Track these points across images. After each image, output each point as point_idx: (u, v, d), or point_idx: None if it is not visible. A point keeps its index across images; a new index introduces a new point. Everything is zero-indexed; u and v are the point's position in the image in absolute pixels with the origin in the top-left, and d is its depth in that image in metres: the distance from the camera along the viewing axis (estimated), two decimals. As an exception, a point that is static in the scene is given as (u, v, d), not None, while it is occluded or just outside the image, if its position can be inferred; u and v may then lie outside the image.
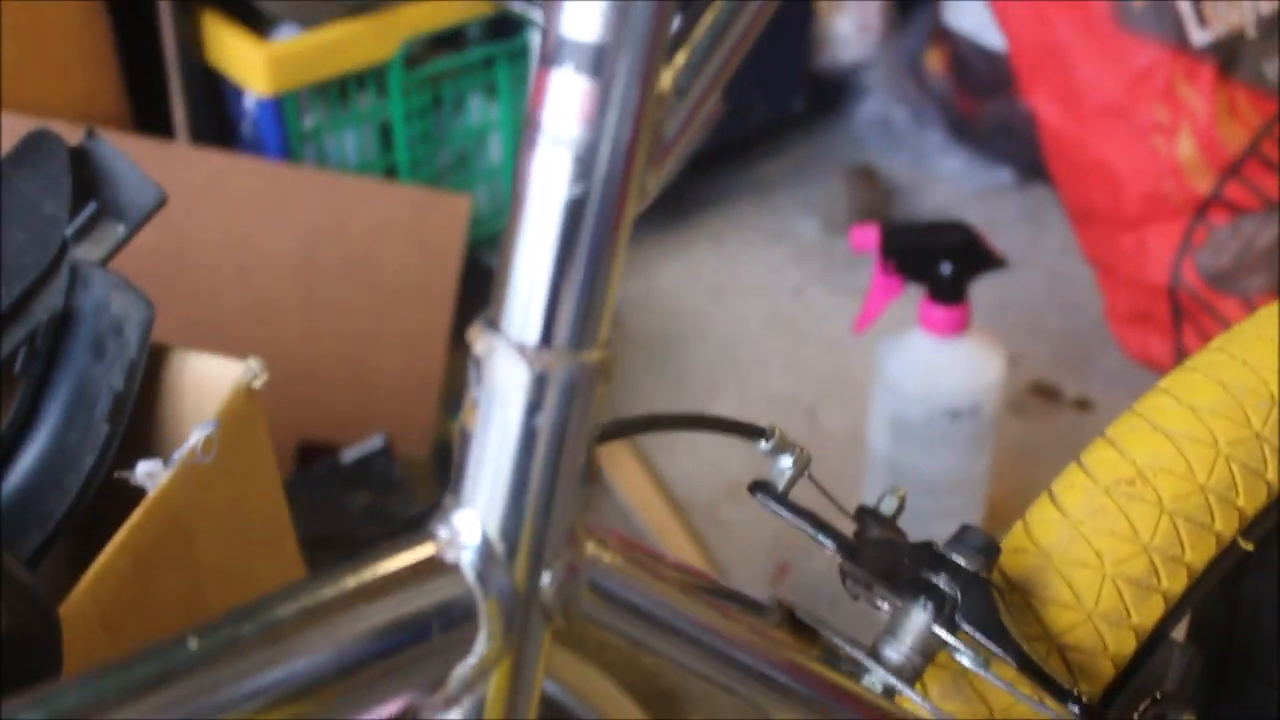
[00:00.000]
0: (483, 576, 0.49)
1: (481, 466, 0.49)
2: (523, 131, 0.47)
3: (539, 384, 0.47)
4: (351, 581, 0.48)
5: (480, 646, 0.49)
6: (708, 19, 0.50)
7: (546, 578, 0.50)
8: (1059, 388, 1.99)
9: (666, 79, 0.49)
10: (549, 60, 0.45)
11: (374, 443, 1.67)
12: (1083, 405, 1.96)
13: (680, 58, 0.50)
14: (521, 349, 0.47)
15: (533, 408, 0.48)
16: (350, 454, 1.66)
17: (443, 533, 0.49)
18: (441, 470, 1.80)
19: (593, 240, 0.47)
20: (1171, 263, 1.89)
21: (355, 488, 1.66)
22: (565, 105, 0.46)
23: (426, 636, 0.48)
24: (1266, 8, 1.91)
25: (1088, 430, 1.97)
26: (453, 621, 0.49)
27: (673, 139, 0.50)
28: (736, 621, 0.58)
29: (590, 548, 0.52)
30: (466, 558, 0.49)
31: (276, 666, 0.46)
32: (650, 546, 0.56)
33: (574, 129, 0.46)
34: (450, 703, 0.50)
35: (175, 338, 1.02)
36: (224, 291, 1.66)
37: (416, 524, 0.50)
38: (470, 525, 0.49)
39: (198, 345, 1.01)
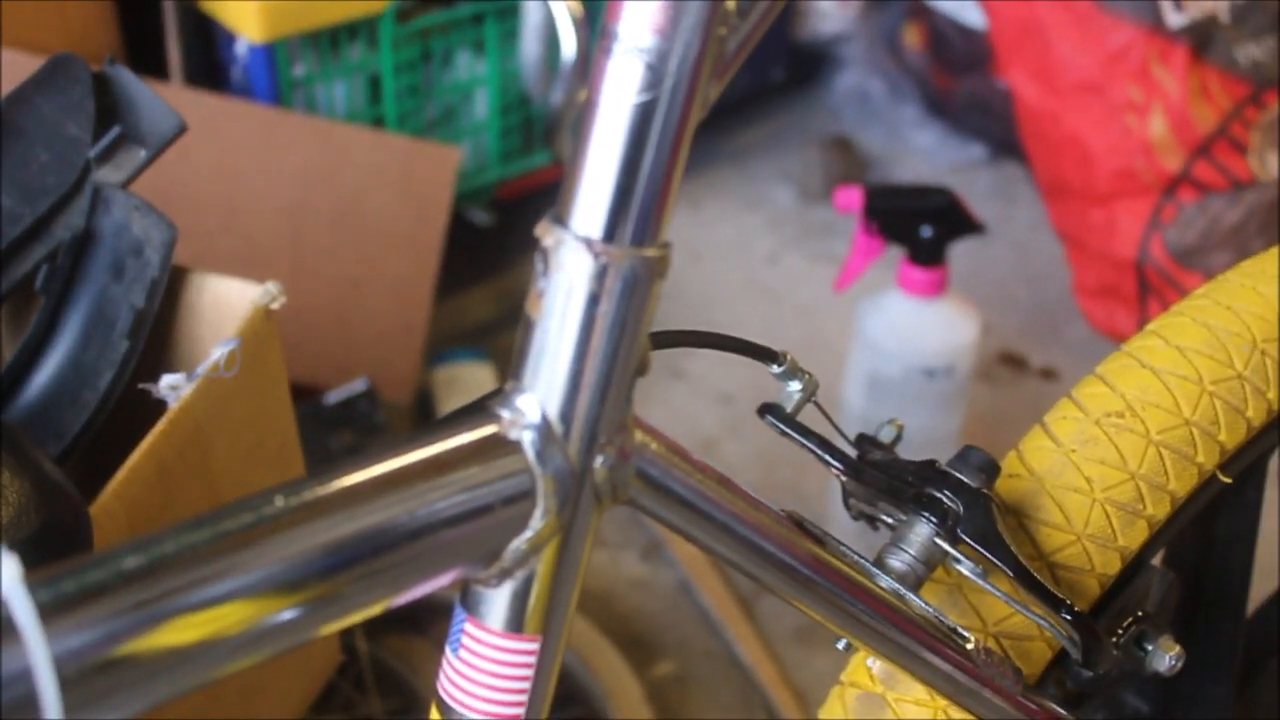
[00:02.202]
0: (541, 455, 0.52)
1: (543, 353, 0.52)
2: (598, 41, 0.50)
3: (602, 275, 0.51)
4: (421, 454, 0.51)
5: (535, 522, 0.53)
6: (770, -56, 0.54)
7: (599, 460, 0.54)
8: (1026, 357, 2.04)
9: (731, -1, 0.52)
10: (627, -25, 0.49)
11: (357, 385, 1.70)
12: (1048, 374, 2.02)
13: (744, -21, 0.54)
14: (588, 242, 0.51)
15: (595, 298, 0.51)
16: (334, 396, 1.69)
17: (505, 413, 0.53)
18: (423, 415, 1.84)
19: (658, 143, 0.50)
20: (1140, 238, 1.94)
21: (338, 429, 1.68)
22: (640, 17, 0.49)
23: (489, 510, 0.51)
24: (1240, -8, 1.96)
25: (1053, 398, 2.00)
26: (512, 497, 0.52)
27: (733, 54, 0.53)
28: (764, 516, 0.61)
29: (639, 436, 0.56)
30: (527, 437, 0.52)
31: (352, 529, 0.49)
32: (687, 449, 0.59)
33: (647, 39, 0.49)
34: (504, 575, 0.54)
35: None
36: (214, 233, 1.68)
37: (479, 407, 0.54)
38: (531, 407, 0.53)
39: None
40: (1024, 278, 2.20)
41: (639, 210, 0.51)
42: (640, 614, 1.64)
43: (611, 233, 0.51)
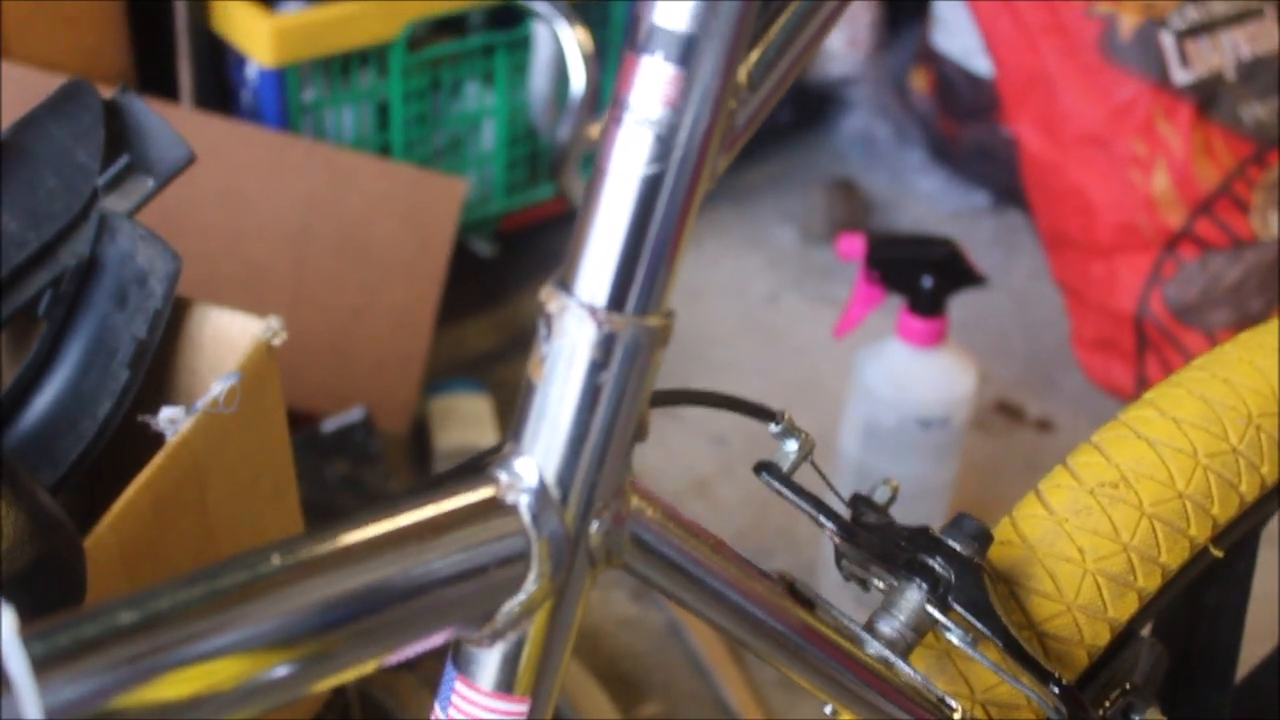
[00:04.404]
0: (537, 519, 0.53)
1: (543, 417, 0.53)
2: (609, 109, 0.50)
3: (606, 344, 0.51)
4: (417, 515, 0.51)
5: (529, 585, 0.53)
6: (782, 20, 0.54)
7: (595, 525, 0.54)
8: (1022, 407, 2.04)
9: (743, 72, 0.53)
10: (639, 47, 0.49)
11: (354, 414, 1.70)
12: (1044, 426, 2.02)
13: (755, 54, 0.54)
14: (591, 310, 0.51)
15: (598, 365, 0.51)
16: (331, 424, 1.69)
17: (503, 476, 0.53)
18: (418, 446, 1.84)
19: (665, 215, 0.51)
20: (1140, 292, 1.94)
21: (334, 457, 1.68)
22: (651, 88, 0.49)
23: (483, 572, 0.52)
24: (1246, 51, 1.97)
25: (1048, 450, 2.03)
26: (506, 559, 0.52)
27: (742, 127, 0.54)
28: (756, 583, 0.62)
29: (635, 502, 0.56)
30: (524, 501, 0.53)
31: (346, 588, 0.49)
32: (681, 512, 0.60)
33: (657, 111, 0.49)
34: (495, 637, 0.54)
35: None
36: (217, 256, 1.68)
37: (476, 467, 0.54)
38: (529, 470, 0.53)
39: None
40: (1023, 327, 2.21)
41: (643, 280, 0.51)
42: (628, 654, 1.64)
43: (616, 301, 0.51)
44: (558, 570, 0.53)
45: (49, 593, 0.77)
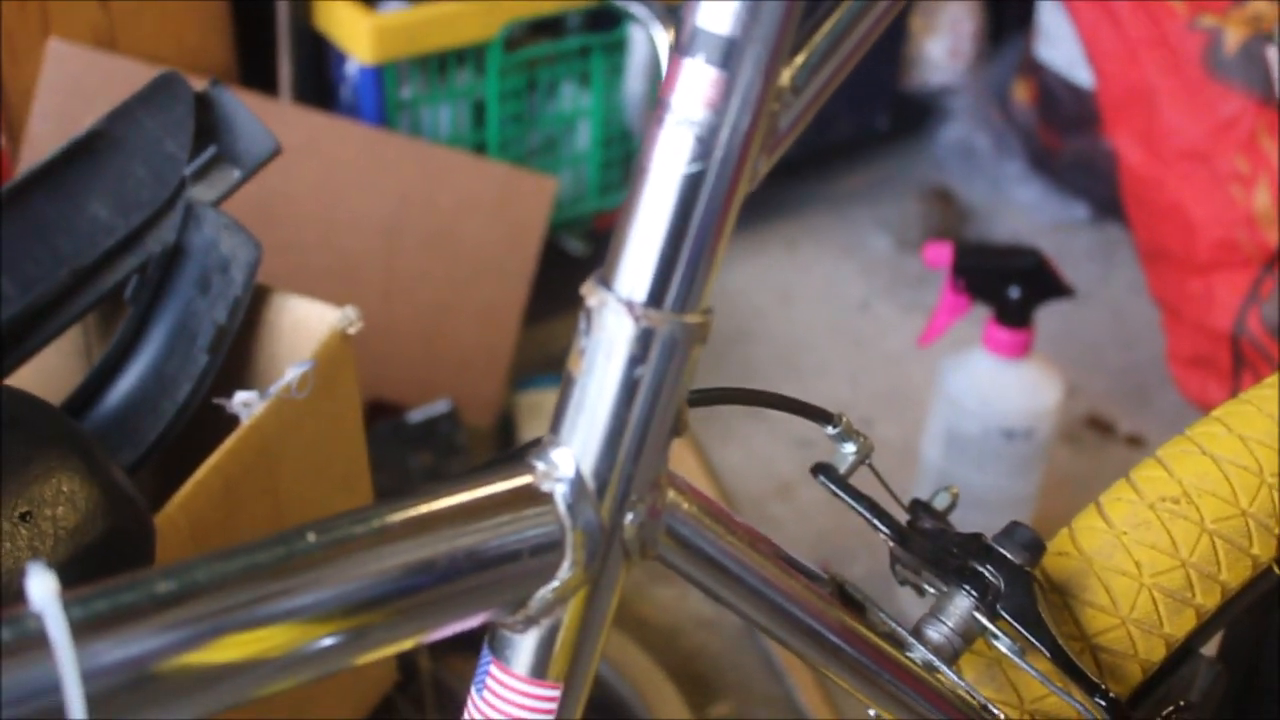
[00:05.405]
0: (572, 509, 0.53)
1: (581, 410, 0.54)
2: (653, 110, 0.51)
3: (643, 339, 0.52)
4: (456, 500, 0.52)
5: (563, 573, 0.54)
6: (827, 25, 0.55)
7: (629, 517, 0.55)
8: (1114, 422, 2.02)
9: (786, 76, 0.53)
10: (683, 49, 0.50)
11: (440, 406, 1.73)
12: (1135, 441, 1.99)
13: (800, 58, 0.54)
14: (630, 306, 0.52)
15: (635, 360, 0.52)
16: (417, 415, 1.72)
17: (540, 465, 0.54)
18: (503, 439, 1.86)
19: (705, 214, 0.51)
20: (1237, 310, 1.91)
21: (419, 448, 1.71)
22: (693, 90, 0.50)
23: (517, 558, 0.53)
24: (1356, 69, 1.93)
25: (1137, 467, 2.00)
26: (541, 547, 0.53)
27: (785, 130, 0.54)
28: (795, 580, 0.62)
29: (671, 495, 0.57)
30: (559, 490, 0.54)
31: (382, 569, 0.50)
32: (722, 506, 0.60)
33: (699, 112, 0.50)
34: (530, 622, 0.55)
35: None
36: (311, 247, 1.71)
37: (516, 457, 0.55)
38: (566, 461, 0.54)
39: (282, 295, 1.05)
40: (1118, 341, 2.18)
41: (682, 277, 0.52)
42: (704, 653, 1.64)
43: (654, 298, 0.52)
44: (592, 559, 0.54)
45: (117, 566, 0.79)
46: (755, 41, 0.49)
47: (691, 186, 0.51)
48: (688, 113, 0.50)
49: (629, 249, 0.52)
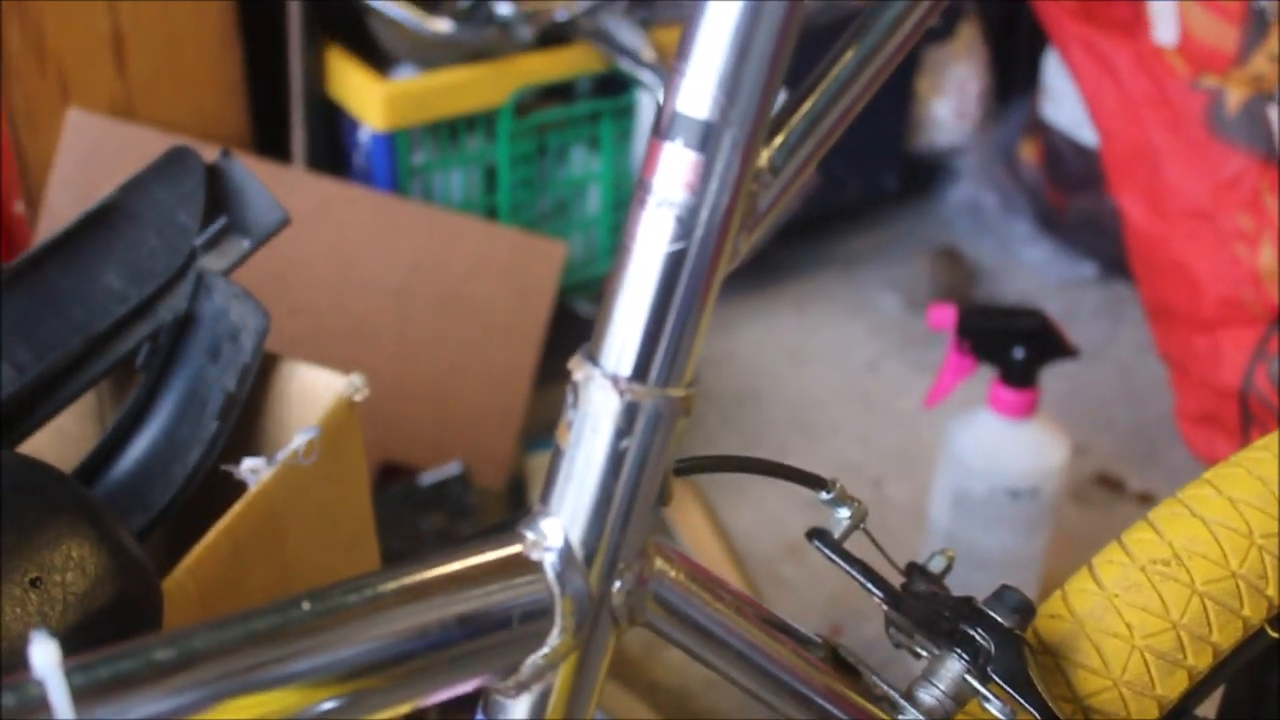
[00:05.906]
0: (561, 577, 0.55)
1: (569, 481, 0.55)
2: (634, 192, 0.53)
3: (629, 413, 0.54)
4: (447, 569, 0.54)
5: (553, 639, 0.55)
6: (805, 107, 0.57)
7: (617, 584, 0.56)
8: (1123, 480, 2.02)
9: (764, 157, 0.55)
10: (663, 132, 0.52)
11: (452, 469, 1.74)
12: (1145, 499, 1.99)
13: (778, 139, 0.56)
14: (615, 380, 0.54)
15: (621, 433, 0.54)
16: (429, 477, 1.73)
17: (529, 535, 0.56)
18: (515, 501, 1.87)
19: (686, 291, 0.53)
20: (1244, 368, 1.92)
21: (430, 510, 1.72)
22: (673, 173, 0.52)
23: (507, 625, 0.54)
24: (1358, 128, 1.95)
25: (1147, 525, 2.01)
26: (531, 614, 0.55)
27: (765, 210, 0.56)
28: (783, 646, 0.63)
29: (658, 563, 0.58)
30: (549, 559, 0.55)
31: (376, 635, 0.52)
32: (711, 572, 0.62)
33: (679, 194, 0.52)
34: (520, 688, 0.56)
35: (275, 350, 1.09)
36: (324, 312, 1.74)
37: (506, 526, 0.56)
38: (554, 531, 0.55)
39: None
40: (1126, 399, 2.19)
41: (665, 352, 0.54)
42: (713, 715, 1.65)
43: (639, 373, 0.54)
44: (581, 626, 0.56)
45: (125, 630, 0.81)
46: (733, 125, 0.51)
47: (673, 265, 0.53)
48: (668, 194, 0.52)
49: (614, 325, 0.54)
